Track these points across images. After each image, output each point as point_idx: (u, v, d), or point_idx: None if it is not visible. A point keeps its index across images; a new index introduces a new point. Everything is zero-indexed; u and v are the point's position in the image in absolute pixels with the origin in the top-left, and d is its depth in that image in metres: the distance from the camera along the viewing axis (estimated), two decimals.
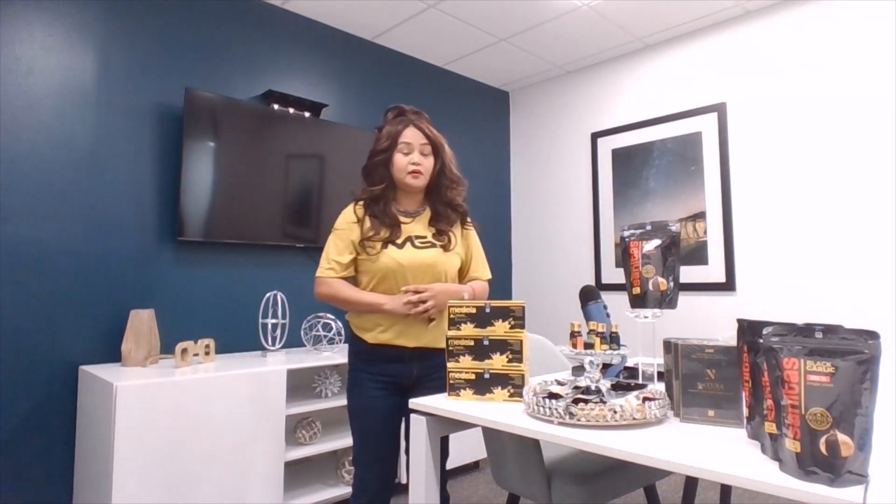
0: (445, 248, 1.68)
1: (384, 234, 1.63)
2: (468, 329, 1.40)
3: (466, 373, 1.39)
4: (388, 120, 1.71)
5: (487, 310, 1.40)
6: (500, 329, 1.38)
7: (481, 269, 1.79)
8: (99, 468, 1.99)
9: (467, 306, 1.41)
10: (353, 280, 1.71)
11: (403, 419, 1.72)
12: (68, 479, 2.25)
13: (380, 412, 1.65)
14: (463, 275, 1.77)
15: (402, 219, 1.68)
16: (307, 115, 3.00)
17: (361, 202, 1.69)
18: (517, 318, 1.38)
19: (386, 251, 1.62)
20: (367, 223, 1.65)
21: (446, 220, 1.72)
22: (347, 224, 1.67)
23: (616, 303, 1.64)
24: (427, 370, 1.67)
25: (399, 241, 1.64)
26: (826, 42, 2.85)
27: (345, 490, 2.51)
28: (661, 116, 3.44)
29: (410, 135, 1.66)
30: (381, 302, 1.60)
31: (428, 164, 1.67)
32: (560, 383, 1.36)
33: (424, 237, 1.68)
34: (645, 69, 3.56)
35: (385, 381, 1.65)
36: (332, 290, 1.65)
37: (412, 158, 1.65)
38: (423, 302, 1.58)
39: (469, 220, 1.80)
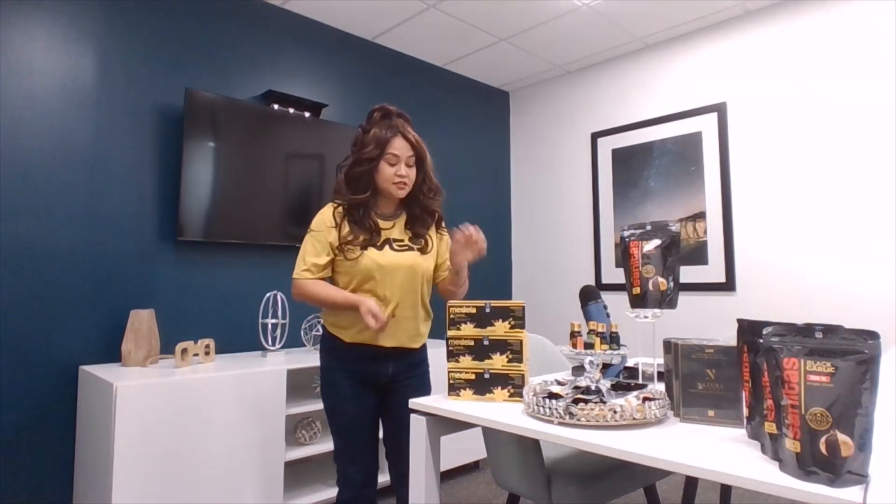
0: (422, 250, 1.71)
1: (363, 239, 1.64)
2: (468, 329, 1.40)
3: (466, 373, 1.39)
4: (374, 121, 1.70)
5: (487, 310, 1.40)
6: (500, 329, 1.38)
7: None
8: (99, 468, 1.99)
9: (467, 306, 1.41)
10: (331, 280, 1.71)
11: (381, 417, 1.75)
12: (68, 479, 2.25)
13: (357, 408, 1.67)
14: (436, 274, 1.78)
15: (381, 223, 1.69)
16: (307, 115, 3.00)
17: (340, 206, 1.69)
18: (517, 318, 1.38)
19: (366, 253, 1.63)
20: (346, 228, 1.65)
21: (422, 223, 1.74)
22: (325, 227, 1.67)
23: (616, 303, 1.64)
24: (402, 369, 1.70)
25: (378, 244, 1.66)
26: (826, 42, 2.85)
27: None
28: (661, 116, 3.44)
29: (399, 146, 1.65)
30: (351, 304, 1.59)
31: (412, 175, 1.69)
32: (560, 383, 1.36)
33: (402, 240, 1.70)
34: (645, 69, 3.56)
35: (361, 379, 1.67)
36: (307, 291, 1.65)
37: (399, 170, 1.65)
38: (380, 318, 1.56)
39: (443, 225, 1.82)
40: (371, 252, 1.64)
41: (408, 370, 1.72)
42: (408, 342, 1.70)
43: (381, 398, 1.72)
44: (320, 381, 1.73)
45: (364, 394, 1.68)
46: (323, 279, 1.68)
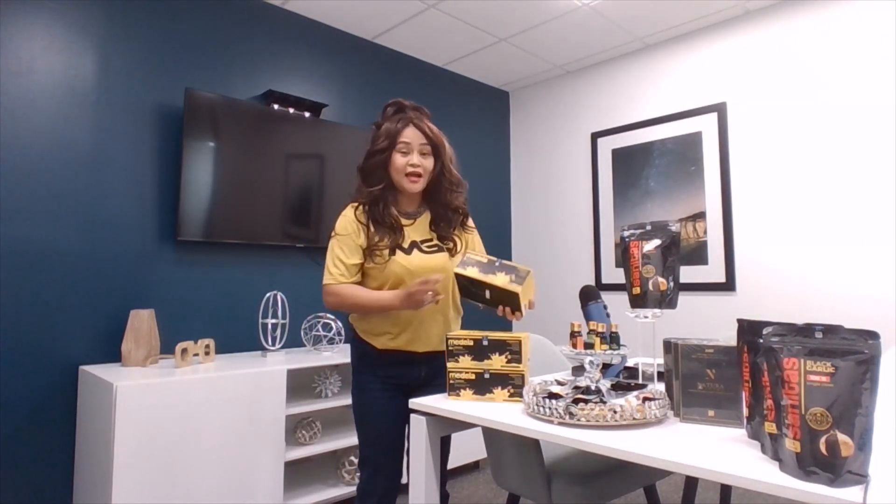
0: (451, 251, 1.65)
1: (388, 241, 1.58)
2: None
3: (466, 373, 1.39)
4: (386, 116, 1.65)
5: None
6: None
7: None
8: (99, 468, 1.99)
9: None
10: (361, 285, 1.65)
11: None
12: (68, 479, 2.25)
13: (388, 413, 1.61)
14: None
15: (403, 221, 1.63)
16: (307, 115, 3.00)
17: (361, 206, 1.63)
18: None
19: (394, 258, 1.57)
20: (371, 229, 1.60)
21: (447, 222, 1.68)
22: (352, 229, 1.60)
23: (616, 303, 1.64)
24: (435, 370, 1.63)
25: (406, 246, 1.60)
26: (826, 42, 2.85)
27: (345, 490, 2.51)
28: (661, 116, 3.44)
29: (410, 134, 1.60)
30: (393, 304, 1.52)
31: (427, 164, 1.61)
32: (560, 383, 1.36)
33: (430, 240, 1.64)
34: (645, 69, 3.56)
35: (393, 384, 1.63)
36: (341, 295, 1.57)
37: (411, 159, 1.59)
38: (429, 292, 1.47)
39: (470, 221, 1.76)
40: (399, 256, 1.57)
41: (439, 371, 1.63)
42: (440, 345, 1.62)
43: (408, 398, 1.68)
44: (352, 386, 1.68)
45: (395, 398, 1.62)
46: (356, 283, 1.60)
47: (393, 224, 1.60)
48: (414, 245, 1.62)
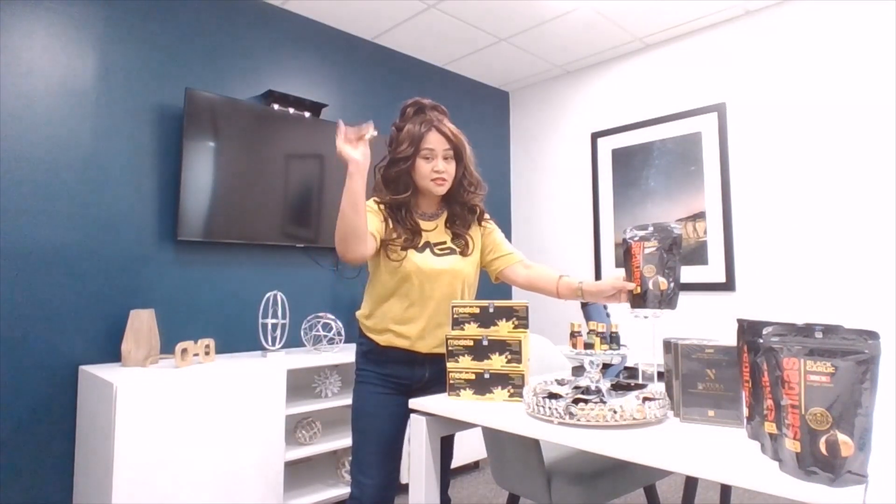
0: (464, 253, 1.64)
1: (404, 239, 1.58)
2: (472, 329, 1.40)
3: (466, 373, 1.39)
4: (406, 117, 1.64)
5: (491, 310, 1.40)
6: (503, 329, 1.38)
7: (516, 252, 1.73)
8: (99, 468, 1.99)
9: (471, 306, 1.41)
10: (372, 277, 1.65)
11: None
12: (68, 479, 2.25)
13: (386, 412, 1.59)
14: (493, 265, 1.72)
15: (421, 224, 1.63)
16: (307, 115, 3.00)
17: (382, 204, 1.62)
18: (521, 318, 1.38)
19: (407, 255, 1.57)
20: (390, 225, 1.60)
21: (462, 221, 1.67)
22: (374, 211, 1.60)
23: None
24: (438, 373, 1.61)
25: (418, 246, 1.60)
26: (826, 42, 2.85)
27: (345, 490, 2.51)
28: (661, 116, 3.44)
29: (434, 140, 1.58)
30: (348, 183, 1.48)
31: (451, 169, 1.61)
32: (560, 383, 1.36)
33: (443, 242, 1.64)
34: (645, 69, 3.56)
35: (395, 383, 1.61)
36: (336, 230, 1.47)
37: (435, 165, 1.58)
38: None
39: (486, 217, 1.75)
40: (412, 255, 1.58)
41: (442, 374, 1.61)
42: (444, 347, 1.66)
43: (409, 399, 1.64)
44: (354, 383, 1.66)
45: (395, 397, 1.60)
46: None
47: (412, 229, 1.60)
48: (427, 245, 1.62)
